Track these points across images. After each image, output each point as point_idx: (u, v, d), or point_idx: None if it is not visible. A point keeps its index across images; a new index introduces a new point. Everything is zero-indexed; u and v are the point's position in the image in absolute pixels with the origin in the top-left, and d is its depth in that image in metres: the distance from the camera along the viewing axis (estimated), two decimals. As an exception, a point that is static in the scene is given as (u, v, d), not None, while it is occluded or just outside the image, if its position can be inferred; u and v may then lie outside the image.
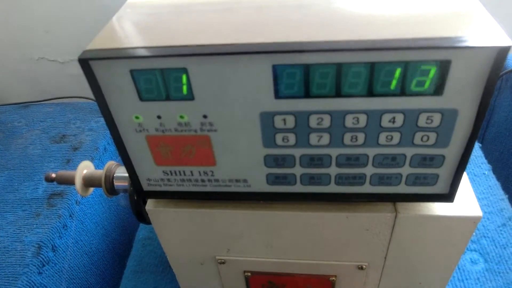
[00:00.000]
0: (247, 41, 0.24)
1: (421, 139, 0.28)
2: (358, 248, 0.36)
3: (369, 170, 0.30)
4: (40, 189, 0.77)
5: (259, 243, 0.37)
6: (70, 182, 0.47)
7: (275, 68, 0.25)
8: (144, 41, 0.26)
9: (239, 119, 0.28)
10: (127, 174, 0.45)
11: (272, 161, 0.30)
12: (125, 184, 0.45)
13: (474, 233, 0.64)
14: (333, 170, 0.30)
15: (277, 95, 0.26)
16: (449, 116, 0.26)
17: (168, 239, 0.37)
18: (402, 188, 0.31)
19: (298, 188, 0.31)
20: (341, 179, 0.31)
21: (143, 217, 0.44)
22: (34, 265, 0.64)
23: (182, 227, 0.36)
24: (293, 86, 0.26)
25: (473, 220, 0.32)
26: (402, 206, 0.33)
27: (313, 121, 0.27)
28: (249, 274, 0.39)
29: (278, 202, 0.34)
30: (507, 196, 0.70)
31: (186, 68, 0.25)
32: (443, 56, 0.23)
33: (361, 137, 0.28)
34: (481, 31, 0.23)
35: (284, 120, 0.27)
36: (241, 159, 0.30)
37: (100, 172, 0.46)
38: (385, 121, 0.27)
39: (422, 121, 0.27)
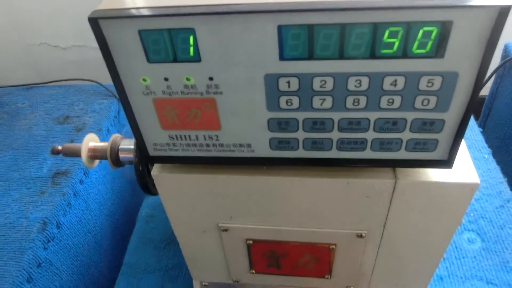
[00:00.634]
0: (253, 1, 0.25)
1: (422, 103, 0.28)
2: (357, 216, 0.37)
3: (370, 135, 0.31)
4: (44, 168, 0.78)
5: (261, 210, 0.37)
6: (76, 154, 0.48)
7: (280, 28, 0.25)
8: (152, 1, 0.27)
9: (244, 82, 0.28)
10: (132, 146, 0.45)
11: (275, 125, 0.31)
12: (130, 156, 0.46)
13: (472, 214, 0.65)
14: (335, 135, 0.31)
15: (282, 56, 0.27)
16: (449, 79, 0.27)
17: (173, 205, 0.38)
18: (402, 154, 0.31)
19: (301, 153, 0.32)
20: (342, 144, 0.31)
21: (148, 188, 0.45)
22: (40, 241, 0.65)
23: (186, 192, 0.37)
24: (298, 48, 0.26)
25: (471, 187, 0.33)
26: (402, 173, 0.33)
27: (316, 84, 0.28)
28: (251, 242, 0.40)
29: (280, 167, 0.35)
30: (506, 179, 0.71)
31: (194, 29, 0.26)
32: (444, 16, 0.24)
33: (363, 100, 0.28)
34: (482, -7, 0.24)
35: (288, 82, 0.28)
36: (245, 123, 0.31)
37: (106, 145, 0.46)
38: (387, 84, 0.27)
39: (423, 84, 0.27)
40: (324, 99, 0.29)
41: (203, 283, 0.48)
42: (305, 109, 0.29)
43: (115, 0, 0.28)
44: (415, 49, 0.26)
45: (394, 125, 0.30)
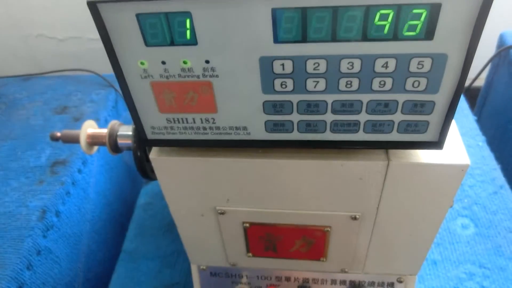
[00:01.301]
0: (248, -16, 0.26)
1: (413, 85, 0.29)
2: (351, 198, 0.38)
3: (363, 117, 0.31)
4: (43, 157, 0.78)
5: (257, 193, 0.38)
6: (74, 140, 0.49)
7: (274, 11, 0.26)
8: (149, -14, 0.27)
9: (240, 64, 0.29)
10: (130, 132, 0.46)
11: (270, 107, 0.31)
12: (129, 142, 0.46)
13: (465, 200, 0.66)
14: (329, 117, 0.32)
15: (276, 39, 0.27)
16: (439, 61, 0.27)
17: (171, 188, 0.39)
18: (394, 136, 0.32)
19: (295, 135, 0.33)
20: (336, 126, 0.32)
21: (146, 173, 0.45)
22: (39, 229, 0.66)
23: (184, 176, 0.37)
24: (291, 31, 0.27)
25: (461, 168, 0.34)
26: (394, 155, 0.34)
27: (310, 66, 0.29)
28: (248, 225, 0.41)
29: (276, 150, 0.35)
30: (499, 166, 0.72)
31: (190, 12, 0.26)
32: (433, -1, 0.25)
33: (355, 82, 0.29)
34: (470, -25, 0.25)
35: (283, 65, 0.29)
36: (241, 106, 0.32)
37: (104, 131, 0.47)
38: (378, 66, 0.28)
39: (413, 66, 0.28)
40: (317, 82, 0.29)
41: (201, 267, 0.49)
42: (299, 91, 0.30)
43: (113, -15, 0.28)
44: (405, 32, 0.26)
45: (386, 107, 0.30)
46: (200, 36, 0.28)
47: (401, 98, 0.30)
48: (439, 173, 0.34)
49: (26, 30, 1.49)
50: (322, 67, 0.29)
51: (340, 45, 0.27)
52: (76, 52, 1.47)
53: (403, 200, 0.37)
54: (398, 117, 0.31)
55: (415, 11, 0.25)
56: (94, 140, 0.47)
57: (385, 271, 0.46)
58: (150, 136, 0.35)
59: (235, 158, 0.35)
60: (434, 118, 0.31)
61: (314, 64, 0.28)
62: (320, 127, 0.32)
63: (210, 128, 0.33)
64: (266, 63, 0.29)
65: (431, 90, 0.29)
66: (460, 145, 0.35)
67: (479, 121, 0.82)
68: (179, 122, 0.33)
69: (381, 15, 0.26)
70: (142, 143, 0.35)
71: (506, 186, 0.68)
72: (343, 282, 0.47)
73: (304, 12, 0.26)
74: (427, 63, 0.28)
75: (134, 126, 0.43)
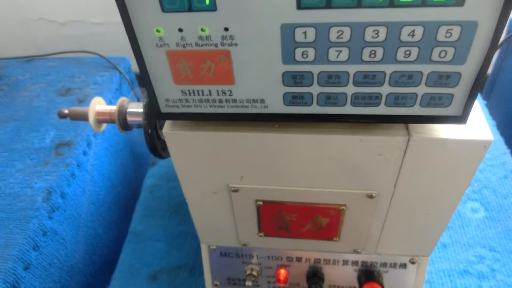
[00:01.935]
0: None
1: (439, 55, 0.28)
2: (368, 175, 0.37)
3: (385, 89, 0.30)
4: (47, 139, 0.77)
5: (272, 170, 0.37)
6: (83, 117, 0.48)
7: (298, -26, 0.25)
8: None
9: (261, 32, 0.28)
10: (140, 110, 0.45)
11: (290, 78, 0.30)
12: (138, 119, 0.45)
13: (475, 184, 0.65)
14: (350, 89, 0.31)
15: (299, 5, 0.26)
16: (468, 29, 0.26)
17: (183, 165, 0.38)
18: (417, 110, 0.31)
19: (314, 109, 0.32)
20: (357, 99, 0.31)
21: (157, 151, 0.44)
22: (45, 210, 0.65)
23: (197, 151, 0.37)
24: (316, -5, 0.26)
25: (484, 144, 0.33)
26: (415, 130, 0.33)
27: (333, 34, 0.27)
28: (261, 203, 0.40)
29: (293, 124, 0.34)
30: (509, 150, 0.71)
31: (210, -25, 0.25)
32: (467, -40, 0.23)
33: (379, 52, 0.28)
34: None
35: (305, 33, 0.28)
36: (259, 77, 0.31)
37: (113, 108, 0.46)
38: (404, 35, 0.27)
39: (441, 34, 0.27)
40: (340, 51, 0.28)
41: (211, 247, 0.48)
42: (320, 61, 0.29)
43: None
44: (435, -3, 0.25)
45: (410, 78, 0.29)
46: (220, 2, 0.27)
47: (426, 69, 0.29)
48: (460, 149, 0.33)
49: (26, 14, 1.47)
50: (346, 36, 0.27)
51: (365, 11, 0.26)
52: (77, 36, 1.45)
53: (421, 177, 0.36)
54: (421, 89, 0.30)
55: (446, -26, 0.24)
56: (103, 117, 0.47)
57: (398, 251, 0.45)
58: (164, 109, 0.34)
59: (250, 133, 0.35)
60: (459, 91, 0.30)
61: (337, 32, 0.27)
62: (341, 100, 0.31)
63: (227, 100, 0.32)
64: (287, 31, 0.28)
65: (458, 60, 0.28)
66: (482, 121, 0.34)
67: (487, 103, 0.81)
68: (194, 94, 0.32)
69: (411, -22, 0.24)
70: (156, 116, 0.34)
71: (516, 170, 0.68)
72: (355, 263, 0.47)
73: (330, -25, 0.25)
74: (456, 31, 0.27)
75: (145, 103, 0.42)
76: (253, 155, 0.36)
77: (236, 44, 0.29)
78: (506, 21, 0.26)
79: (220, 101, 0.32)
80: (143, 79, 0.32)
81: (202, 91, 0.32)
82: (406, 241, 0.44)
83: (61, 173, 0.70)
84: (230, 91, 0.32)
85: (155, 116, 0.34)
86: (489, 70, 1.02)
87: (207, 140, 0.36)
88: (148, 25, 0.28)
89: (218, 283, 0.50)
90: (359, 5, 0.26)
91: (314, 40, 0.28)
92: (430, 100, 0.31)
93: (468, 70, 0.29)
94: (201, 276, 0.56)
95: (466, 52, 0.28)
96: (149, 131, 0.42)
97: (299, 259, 0.47)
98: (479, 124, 0.33)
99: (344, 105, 0.32)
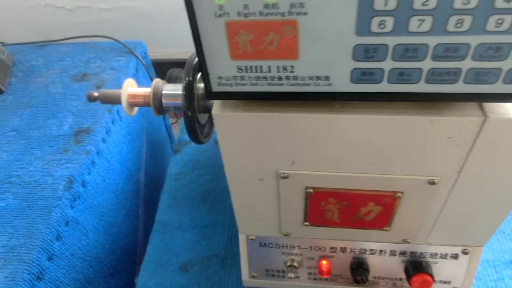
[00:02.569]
0: None
1: (535, 24, 0.25)
2: (433, 160, 0.34)
3: (466, 64, 0.27)
4: (65, 126, 0.75)
5: (327, 155, 0.35)
6: (115, 101, 0.45)
7: None
8: None
9: (335, -1, 0.25)
10: (176, 91, 0.42)
11: (361, 52, 0.27)
12: (175, 101, 0.43)
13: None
14: (427, 64, 0.28)
15: (384, -34, 0.23)
16: None
17: (231, 149, 0.35)
18: (499, 87, 0.28)
19: (383, 87, 0.29)
20: (433, 76, 0.28)
21: (197, 136, 0.42)
22: (67, 199, 0.63)
23: (248, 134, 0.34)
24: (404, -46, 0.23)
25: None
26: (491, 109, 0.31)
27: (418, 1, 0.24)
28: (311, 190, 0.38)
29: (355, 103, 0.32)
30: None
31: None
32: None
33: (467, 21, 0.25)
34: None
35: (386, -1, 0.25)
36: (327, 51, 0.28)
37: (147, 90, 0.43)
38: (500, 0, 0.24)
39: (541, 0, 0.24)
40: (423, 20, 0.25)
41: (250, 237, 0.45)
42: (398, 32, 0.26)
43: None
44: (541, -45, 0.22)
45: (497, 51, 0.26)
46: (292, -37, 0.24)
47: (517, 40, 0.26)
48: (541, 130, 0.30)
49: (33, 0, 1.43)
50: (432, 2, 0.24)
51: (458, -27, 0.23)
52: (85, 22, 1.41)
53: (491, 162, 0.33)
54: (508, 64, 0.27)
55: None
56: (136, 100, 0.44)
57: (451, 241, 0.43)
58: (215, 88, 0.31)
59: (309, 114, 0.32)
60: (550, 66, 0.27)
61: (423, -3, 0.24)
62: (414, 77, 0.28)
63: (287, 78, 0.30)
64: (366, -3, 0.25)
65: (555, 30, 0.25)
66: None
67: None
68: (251, 71, 0.29)
69: None
70: (207, 96, 0.31)
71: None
72: (402, 253, 0.44)
73: None
74: (559, -4, 0.24)
75: (184, 84, 0.39)
76: (308, 139, 0.34)
77: (305, 13, 0.26)
78: None
79: (280, 78, 0.30)
80: (197, 53, 0.29)
81: (261, 67, 0.29)
82: (461, 230, 0.41)
83: (82, 161, 0.68)
84: (292, 67, 0.29)
85: (206, 95, 0.31)
86: None
87: (260, 122, 0.33)
88: (208, -9, 0.25)
89: (255, 274, 0.48)
90: (451, -34, 0.23)
91: (396, 8, 0.25)
92: (515, 76, 0.28)
93: None
94: (233, 266, 0.54)
95: None
96: (189, 113, 0.40)
97: (343, 250, 0.45)
98: (561, 104, 0.31)
99: (417, 82, 0.29)
